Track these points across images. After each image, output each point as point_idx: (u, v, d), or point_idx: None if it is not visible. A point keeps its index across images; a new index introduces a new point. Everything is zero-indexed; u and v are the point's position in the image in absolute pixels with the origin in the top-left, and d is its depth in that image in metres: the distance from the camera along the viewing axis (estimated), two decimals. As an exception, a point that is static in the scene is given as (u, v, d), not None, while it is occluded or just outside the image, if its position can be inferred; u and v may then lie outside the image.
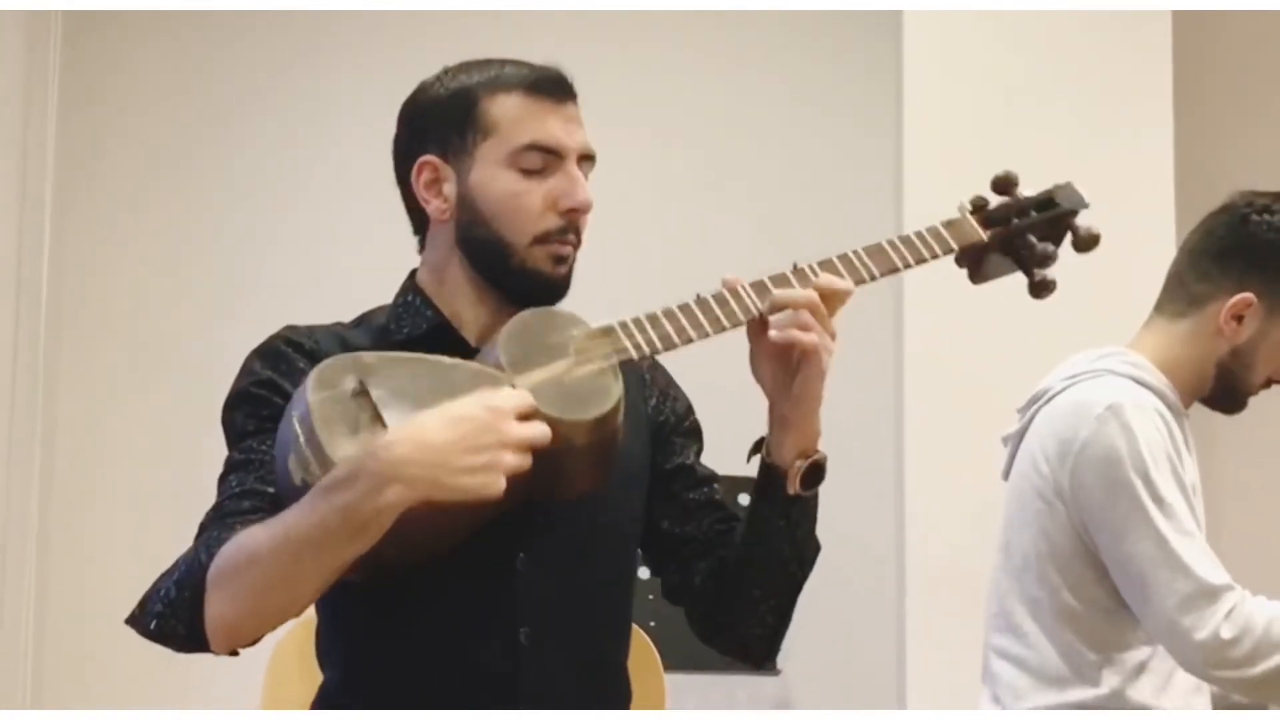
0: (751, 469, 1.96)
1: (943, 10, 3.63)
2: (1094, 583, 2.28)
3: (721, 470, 1.98)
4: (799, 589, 1.84)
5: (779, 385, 1.75)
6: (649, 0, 4.08)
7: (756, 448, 1.81)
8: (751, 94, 4.10)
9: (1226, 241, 2.40)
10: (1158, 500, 2.22)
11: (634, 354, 1.70)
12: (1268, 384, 2.42)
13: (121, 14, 4.05)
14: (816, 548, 1.83)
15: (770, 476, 1.79)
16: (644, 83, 4.09)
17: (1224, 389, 2.40)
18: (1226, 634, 2.15)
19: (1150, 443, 2.24)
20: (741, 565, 1.82)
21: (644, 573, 2.84)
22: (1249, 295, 2.35)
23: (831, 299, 1.73)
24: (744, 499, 1.93)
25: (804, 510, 1.80)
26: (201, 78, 4.11)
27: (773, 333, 1.71)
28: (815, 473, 1.78)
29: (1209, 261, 2.40)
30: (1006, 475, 2.44)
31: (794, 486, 1.77)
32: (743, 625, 1.85)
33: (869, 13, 3.93)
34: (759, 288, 1.74)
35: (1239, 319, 2.36)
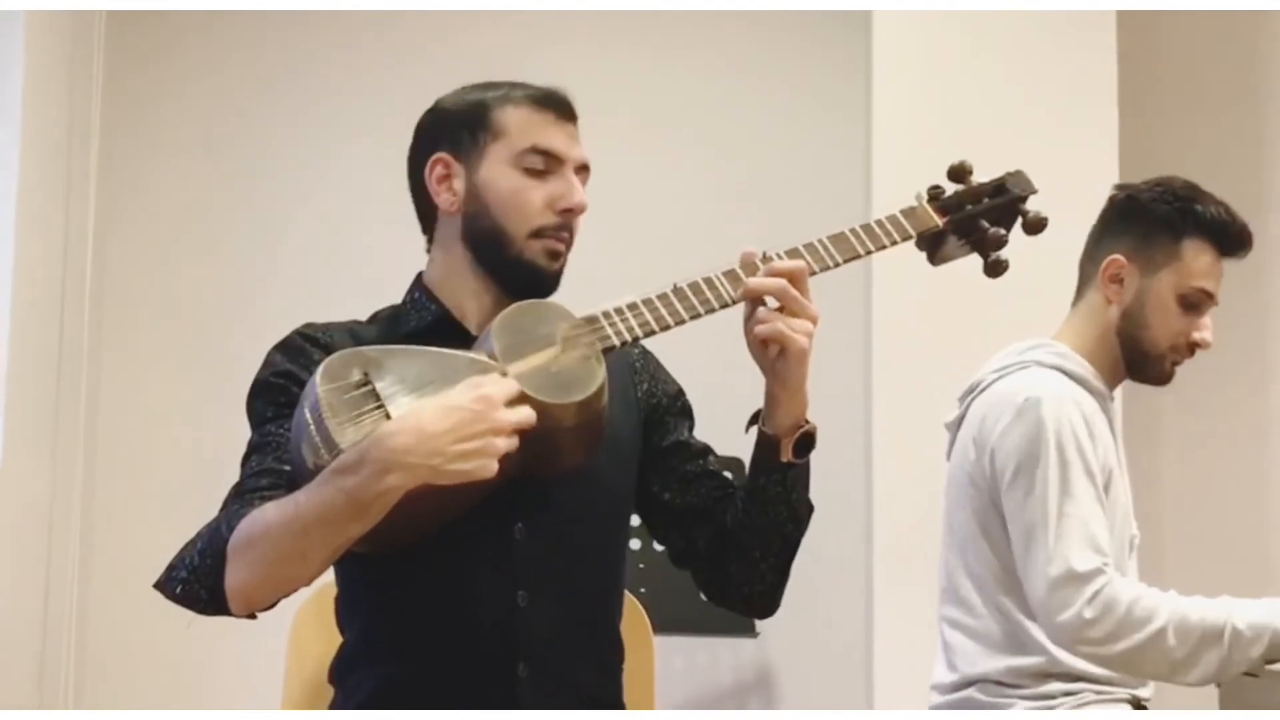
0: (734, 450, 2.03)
1: (910, 10, 3.65)
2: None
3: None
4: (796, 546, 1.87)
5: (767, 366, 1.78)
6: (625, 0, 4.07)
7: (754, 419, 1.83)
8: (727, 91, 4.09)
9: (1099, 223, 2.47)
10: (1055, 485, 2.24)
11: (616, 341, 1.73)
12: (1189, 350, 2.42)
13: (162, 13, 4.02)
14: (810, 508, 1.86)
15: (766, 446, 1.82)
16: (618, 81, 4.06)
17: (1132, 356, 2.43)
18: (1089, 614, 2.15)
19: (1060, 433, 2.26)
20: (742, 529, 1.85)
21: (634, 544, 2.89)
22: (1118, 257, 2.40)
23: (797, 280, 1.75)
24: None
25: (798, 476, 1.83)
26: (239, 74, 4.08)
27: (752, 328, 1.75)
28: (806, 442, 1.81)
29: (1091, 243, 2.47)
30: (949, 457, 2.48)
31: (786, 455, 1.80)
32: (746, 584, 1.88)
33: (840, 12, 3.93)
34: (731, 276, 1.77)
35: (1119, 281, 2.40)
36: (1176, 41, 4.03)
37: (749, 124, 4.08)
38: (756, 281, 1.76)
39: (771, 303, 1.77)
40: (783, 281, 1.75)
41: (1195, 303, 2.40)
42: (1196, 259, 2.39)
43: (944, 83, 3.64)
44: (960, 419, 2.45)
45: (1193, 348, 2.42)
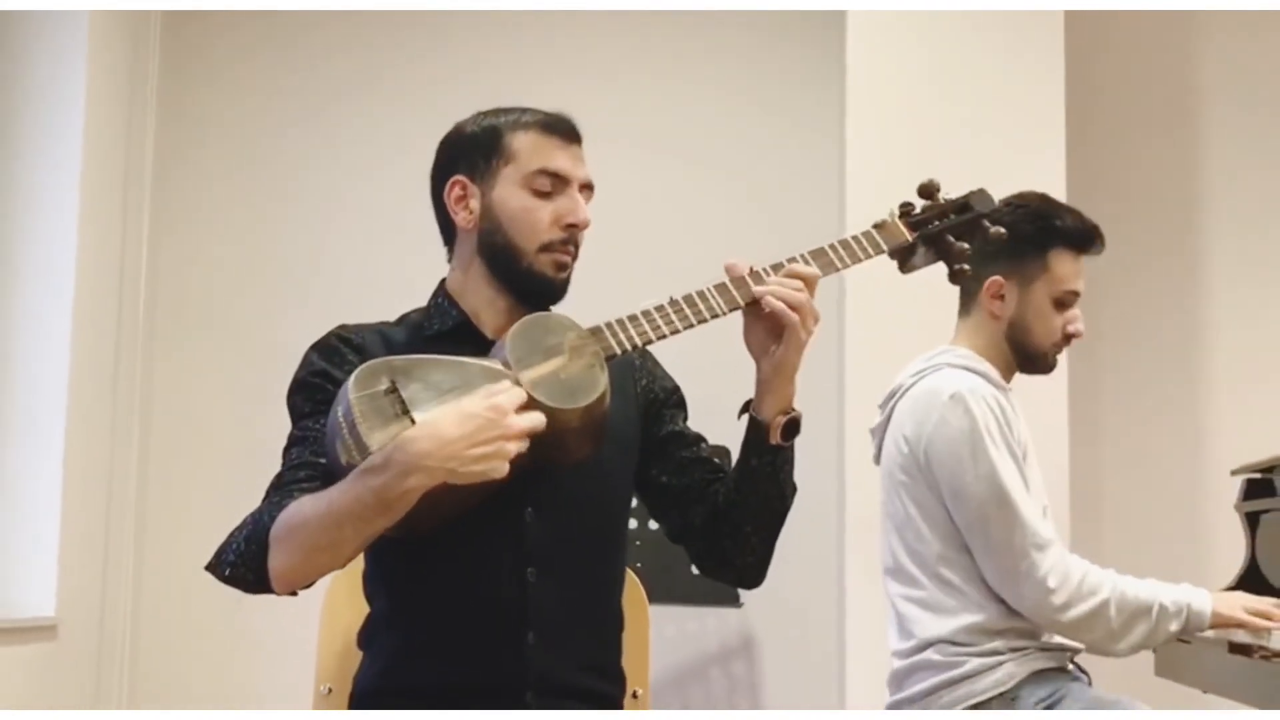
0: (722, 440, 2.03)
1: (884, 10, 3.61)
2: (956, 535, 2.34)
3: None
4: (783, 520, 1.88)
5: (765, 353, 1.80)
6: (597, 1, 3.98)
7: (745, 407, 1.84)
8: (703, 93, 4.02)
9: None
10: (994, 468, 2.28)
11: (617, 350, 1.75)
12: (1066, 340, 2.47)
13: (212, 17, 3.98)
14: (794, 487, 1.87)
15: (756, 430, 1.83)
16: (594, 87, 4.00)
17: (1022, 356, 2.47)
18: (1051, 583, 2.21)
19: (986, 421, 2.30)
20: (733, 506, 1.86)
21: (631, 524, 2.88)
22: (997, 278, 2.45)
23: (810, 285, 1.79)
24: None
25: (785, 457, 1.84)
26: (281, 95, 4.03)
27: (766, 300, 1.76)
28: (792, 427, 1.83)
29: (973, 264, 2.51)
30: (877, 460, 2.51)
31: (775, 438, 1.82)
32: (738, 556, 1.89)
33: (815, 13, 3.88)
34: (721, 290, 1.79)
35: (999, 297, 2.45)
36: (1120, 48, 4.02)
37: (729, 130, 4.02)
38: (778, 285, 1.78)
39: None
40: (799, 283, 1.78)
41: (1066, 302, 2.45)
42: (1062, 266, 2.44)
43: (916, 83, 3.63)
44: (885, 421, 2.48)
45: (1069, 338, 2.47)
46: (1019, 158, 3.51)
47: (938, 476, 2.33)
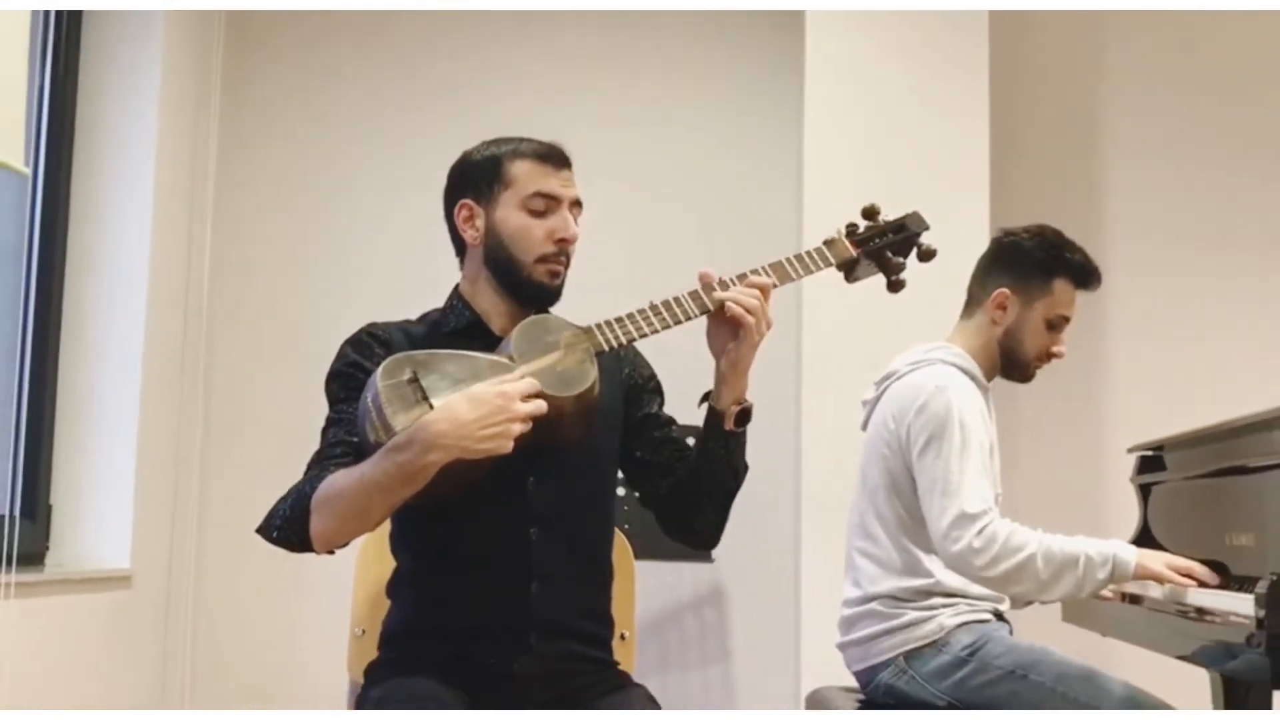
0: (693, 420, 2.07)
1: (842, 10, 3.51)
2: (919, 506, 2.34)
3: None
4: (734, 495, 1.93)
5: (724, 352, 1.84)
6: (558, 0, 3.83)
7: (705, 398, 1.89)
8: (670, 95, 3.87)
9: (988, 258, 2.53)
10: (956, 451, 2.28)
11: (605, 346, 1.81)
12: (1048, 358, 2.50)
13: (276, 14, 3.82)
14: (746, 467, 1.92)
15: (713, 418, 1.87)
16: (561, 86, 3.86)
17: (1009, 362, 2.50)
18: (976, 544, 2.19)
19: (964, 412, 2.32)
20: (694, 480, 1.91)
21: (620, 491, 2.91)
22: (1004, 290, 2.47)
23: (766, 293, 1.83)
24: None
25: (738, 441, 1.89)
26: (343, 75, 3.86)
27: (727, 305, 1.81)
28: (745, 415, 1.87)
29: (980, 273, 2.53)
30: (865, 427, 2.54)
31: (729, 425, 1.86)
32: (695, 522, 1.93)
33: (774, 12, 3.74)
34: (694, 296, 1.83)
35: (1003, 308, 2.47)
36: (1047, 39, 3.91)
37: (687, 132, 3.87)
38: (738, 293, 1.82)
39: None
40: (757, 292, 1.83)
41: (1057, 325, 2.48)
42: (1063, 293, 2.46)
43: (865, 79, 3.51)
44: (877, 398, 2.50)
45: (1050, 356, 2.51)
46: (947, 153, 3.45)
47: (912, 452, 2.34)
